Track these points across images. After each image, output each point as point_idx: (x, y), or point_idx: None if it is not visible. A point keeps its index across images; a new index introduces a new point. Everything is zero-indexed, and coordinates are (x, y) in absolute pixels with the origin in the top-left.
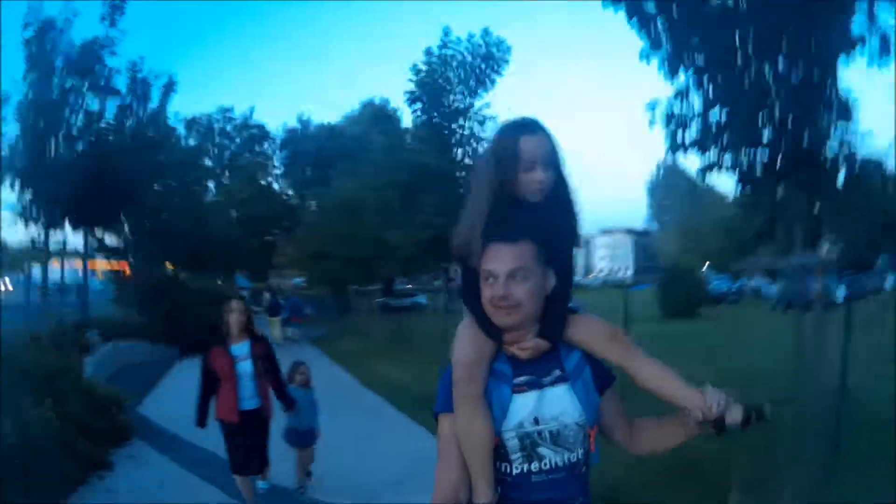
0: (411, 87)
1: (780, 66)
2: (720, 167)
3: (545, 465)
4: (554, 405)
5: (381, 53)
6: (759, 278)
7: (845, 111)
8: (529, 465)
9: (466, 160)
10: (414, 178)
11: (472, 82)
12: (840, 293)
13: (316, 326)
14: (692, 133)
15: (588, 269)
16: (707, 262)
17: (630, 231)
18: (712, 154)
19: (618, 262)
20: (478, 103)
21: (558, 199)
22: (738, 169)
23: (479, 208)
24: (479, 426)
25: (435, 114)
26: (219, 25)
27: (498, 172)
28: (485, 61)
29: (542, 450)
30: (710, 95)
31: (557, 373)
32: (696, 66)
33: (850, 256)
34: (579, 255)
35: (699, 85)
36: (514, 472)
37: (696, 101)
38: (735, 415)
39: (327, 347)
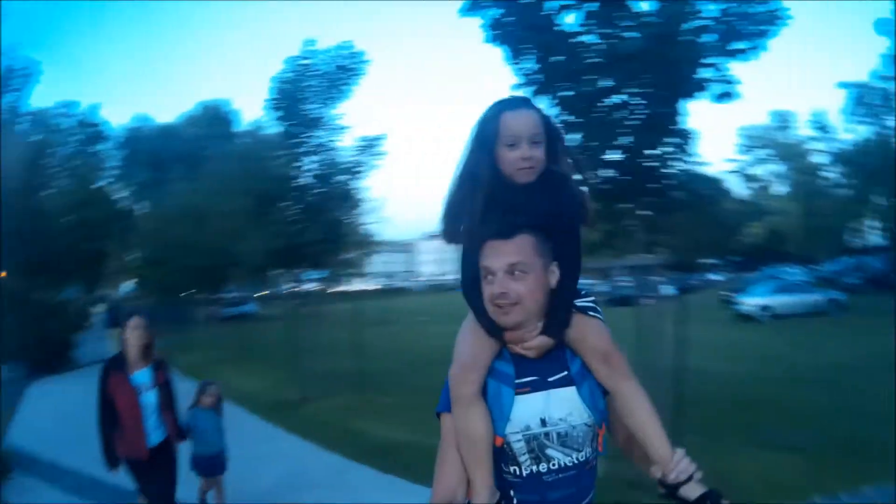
0: (273, 93)
1: (633, 102)
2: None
3: (553, 465)
4: (561, 407)
5: (233, 55)
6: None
7: (685, 140)
8: (538, 466)
9: (319, 170)
10: (267, 185)
11: (330, 92)
12: (670, 290)
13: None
14: None
15: (413, 273)
16: None
17: None
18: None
19: (443, 265)
20: (333, 112)
21: (555, 181)
22: (588, 188)
23: (470, 197)
24: (474, 427)
25: (292, 122)
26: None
27: (482, 152)
28: (342, 72)
29: (550, 451)
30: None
31: (563, 374)
32: (560, 98)
33: (682, 259)
34: (405, 261)
35: (560, 114)
36: (525, 473)
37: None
38: (690, 492)
39: (172, 359)
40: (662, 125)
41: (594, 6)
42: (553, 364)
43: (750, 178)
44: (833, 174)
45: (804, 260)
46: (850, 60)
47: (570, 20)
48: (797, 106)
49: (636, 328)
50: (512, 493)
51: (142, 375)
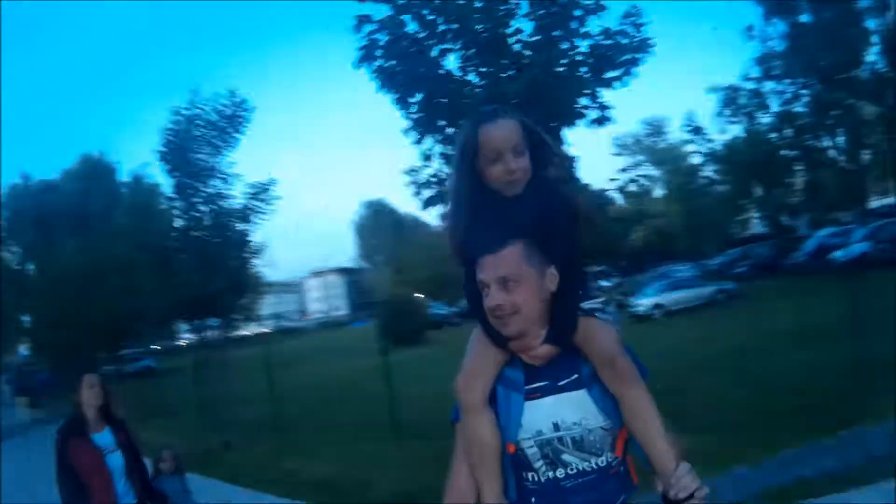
0: (162, 145)
1: None
2: None
3: (571, 470)
4: (574, 410)
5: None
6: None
7: (567, 163)
8: (555, 472)
9: (213, 219)
10: (161, 237)
11: (218, 141)
12: None
13: (59, 403)
14: (433, 190)
15: (303, 312)
16: (425, 292)
17: (341, 270)
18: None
19: (332, 301)
20: (223, 161)
21: (543, 186)
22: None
23: (458, 217)
24: (480, 434)
25: (183, 173)
26: None
27: (464, 170)
28: (229, 121)
29: (566, 456)
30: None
31: (574, 377)
32: (445, 136)
33: None
34: (293, 301)
35: (445, 151)
36: (542, 479)
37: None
38: None
39: None
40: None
41: (472, 50)
42: (564, 368)
43: (632, 184)
44: (710, 173)
45: (692, 256)
46: (719, 65)
47: (451, 63)
48: (671, 111)
49: None
50: (533, 499)
51: (103, 437)
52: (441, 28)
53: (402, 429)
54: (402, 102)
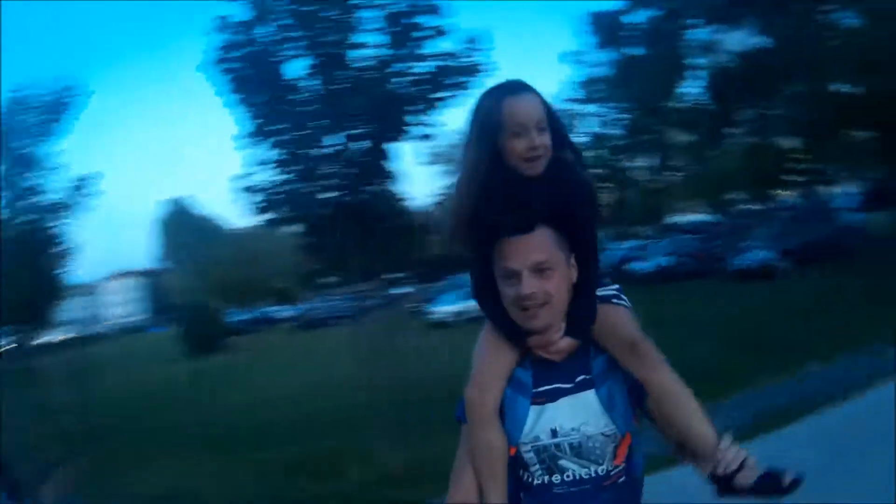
0: None
1: (342, 147)
2: (285, 222)
3: (568, 477)
4: (575, 415)
5: None
6: (275, 306)
7: (391, 177)
8: (550, 477)
9: (28, 214)
10: None
11: (38, 130)
12: (363, 307)
13: None
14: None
15: (102, 317)
16: (224, 297)
17: (141, 273)
18: (283, 211)
19: (132, 306)
20: (49, 150)
21: (562, 168)
22: (302, 223)
23: (476, 194)
24: (490, 444)
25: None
26: None
27: (485, 144)
28: (52, 107)
29: (563, 462)
30: (287, 168)
31: (582, 377)
32: (280, 141)
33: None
34: (94, 303)
35: (278, 162)
36: (535, 482)
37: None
38: (745, 480)
39: None
40: (374, 166)
41: (317, 61)
42: (574, 366)
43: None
44: None
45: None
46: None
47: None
48: None
49: (352, 345)
50: (521, 494)
51: None
52: (290, 35)
53: (215, 440)
54: (243, 106)
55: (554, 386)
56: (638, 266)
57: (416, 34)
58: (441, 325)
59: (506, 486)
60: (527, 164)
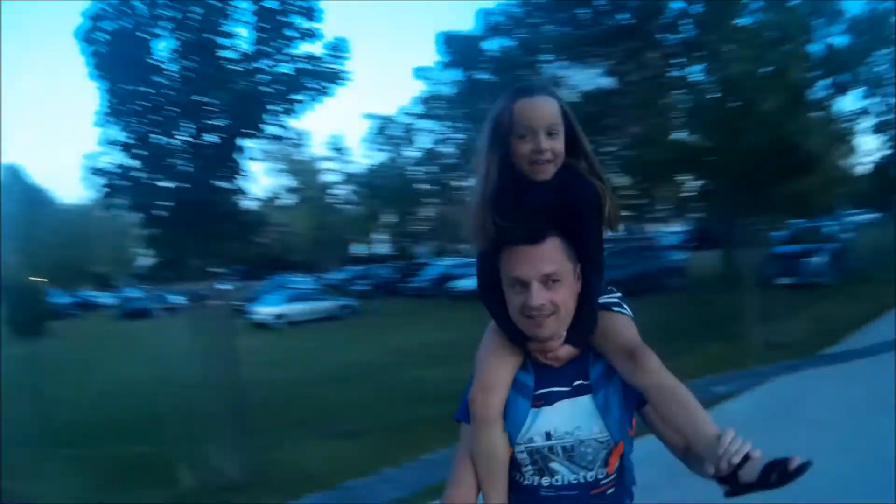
0: None
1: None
2: (125, 207)
3: (557, 480)
4: (570, 419)
5: None
6: (97, 291)
7: (239, 174)
8: (540, 478)
9: None
10: None
11: None
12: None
13: None
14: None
15: None
16: (50, 277)
17: None
18: (124, 195)
19: None
20: None
21: (573, 176)
22: (141, 210)
23: (484, 198)
24: (493, 447)
25: None
26: None
27: (496, 146)
28: None
29: (554, 465)
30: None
31: (579, 382)
32: (132, 129)
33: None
34: None
35: (126, 146)
36: (525, 483)
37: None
38: (751, 472)
39: None
40: (222, 161)
41: (178, 42)
42: (573, 371)
43: (269, 193)
44: (345, 192)
45: (312, 269)
46: (381, 95)
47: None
48: (320, 127)
49: (166, 340)
50: (510, 494)
51: None
52: (160, 13)
53: (33, 436)
54: (102, 81)
55: (552, 389)
56: (459, 284)
57: (287, 32)
58: (262, 326)
59: (506, 486)
60: (533, 168)
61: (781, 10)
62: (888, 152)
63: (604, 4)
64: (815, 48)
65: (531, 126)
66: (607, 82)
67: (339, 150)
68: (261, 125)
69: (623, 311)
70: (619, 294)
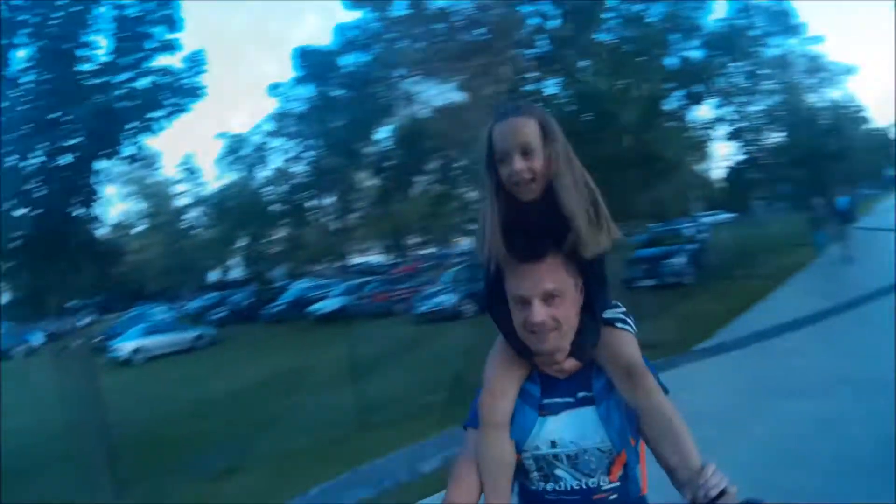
0: None
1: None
2: None
3: (561, 486)
4: (574, 428)
5: None
6: None
7: (95, 199)
8: (545, 484)
9: None
10: None
11: None
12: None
13: None
14: None
15: None
16: None
17: None
18: None
19: None
20: None
21: (565, 192)
22: None
23: (483, 218)
24: (500, 453)
25: None
26: None
27: (487, 170)
28: None
29: (558, 472)
30: None
31: (583, 394)
32: None
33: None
34: None
35: None
36: (531, 487)
37: None
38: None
39: None
40: (80, 184)
41: (35, 50)
42: (577, 383)
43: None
44: (197, 215)
45: (168, 298)
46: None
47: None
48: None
49: (27, 383)
50: (516, 497)
51: None
52: (17, 19)
53: None
54: None
55: (557, 400)
56: (319, 306)
57: (146, 44)
58: (125, 363)
59: (509, 490)
60: (516, 189)
61: (639, 26)
62: (741, 157)
63: (460, 20)
64: (671, 61)
65: (505, 149)
66: (460, 97)
67: (191, 171)
68: (117, 145)
69: (626, 327)
70: (623, 309)
